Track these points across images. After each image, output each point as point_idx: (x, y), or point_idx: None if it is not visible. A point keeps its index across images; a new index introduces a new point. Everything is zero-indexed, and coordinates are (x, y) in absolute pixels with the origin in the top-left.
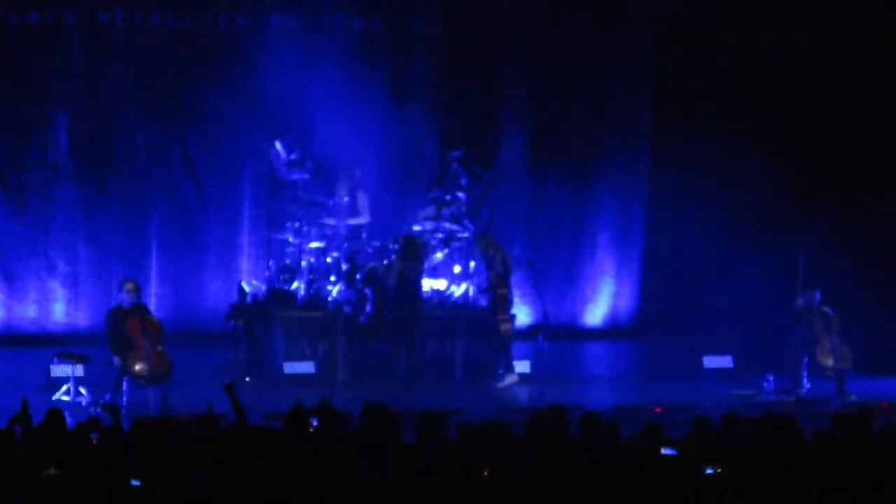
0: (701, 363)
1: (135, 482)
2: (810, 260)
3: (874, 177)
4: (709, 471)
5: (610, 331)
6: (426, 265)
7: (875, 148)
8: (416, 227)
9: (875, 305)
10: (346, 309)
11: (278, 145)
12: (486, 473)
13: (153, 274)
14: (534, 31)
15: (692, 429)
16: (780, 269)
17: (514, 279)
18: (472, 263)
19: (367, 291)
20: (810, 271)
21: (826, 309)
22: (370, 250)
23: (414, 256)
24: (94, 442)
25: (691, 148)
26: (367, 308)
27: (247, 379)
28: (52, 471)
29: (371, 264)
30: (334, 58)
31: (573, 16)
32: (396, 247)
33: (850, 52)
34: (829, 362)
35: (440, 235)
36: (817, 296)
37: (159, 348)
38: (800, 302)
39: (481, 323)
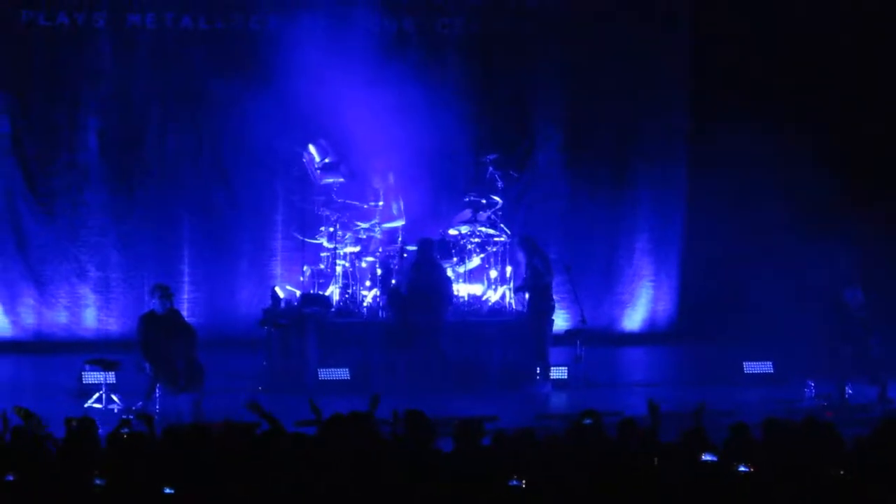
0: (741, 368)
1: (168, 490)
2: (859, 260)
3: None
4: (742, 468)
5: (648, 335)
6: (453, 267)
7: None
8: (452, 231)
9: None
10: (382, 315)
11: (312, 149)
12: (522, 482)
13: (185, 279)
14: (569, 33)
15: (731, 434)
16: (824, 272)
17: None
18: (509, 268)
19: (387, 300)
20: (858, 271)
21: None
22: (405, 255)
23: (428, 261)
24: (127, 450)
25: (730, 148)
26: (391, 317)
27: (259, 388)
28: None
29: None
30: (367, 59)
31: (608, 15)
32: (411, 253)
33: None
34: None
35: (476, 240)
36: (859, 294)
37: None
38: (845, 300)
39: (517, 328)
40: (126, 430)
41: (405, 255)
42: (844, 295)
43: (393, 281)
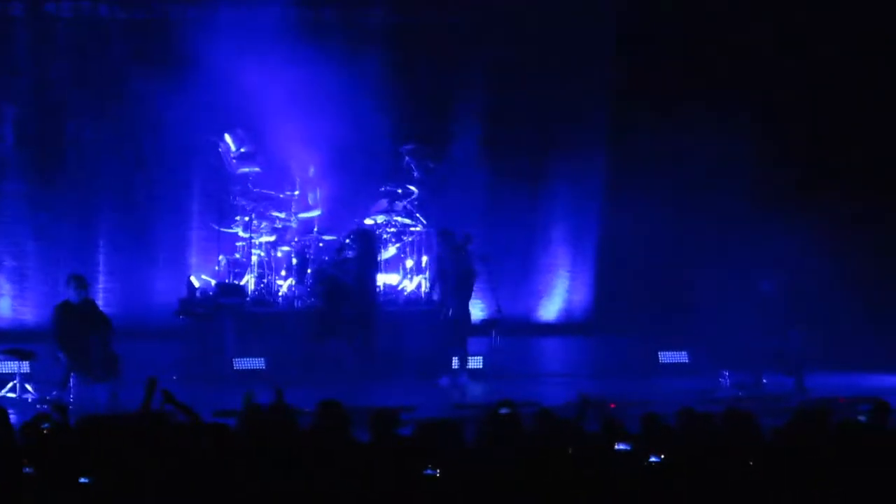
0: (657, 359)
1: (84, 480)
2: (780, 250)
3: (849, 166)
4: (654, 458)
5: (565, 326)
6: (380, 260)
7: (855, 135)
8: (368, 221)
9: (842, 299)
10: (298, 304)
11: (228, 138)
12: (438, 471)
13: (101, 269)
14: (490, 25)
15: (643, 425)
16: (737, 263)
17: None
18: (425, 258)
19: (321, 290)
20: (779, 261)
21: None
22: (321, 245)
23: (370, 252)
24: (43, 439)
25: (649, 140)
26: (321, 306)
27: (174, 378)
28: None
29: (320, 262)
30: (285, 50)
31: (530, 8)
32: (351, 244)
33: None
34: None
35: (393, 229)
36: (777, 285)
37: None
38: (764, 288)
39: (434, 318)
40: (47, 424)
41: (343, 248)
42: (763, 285)
43: (326, 271)
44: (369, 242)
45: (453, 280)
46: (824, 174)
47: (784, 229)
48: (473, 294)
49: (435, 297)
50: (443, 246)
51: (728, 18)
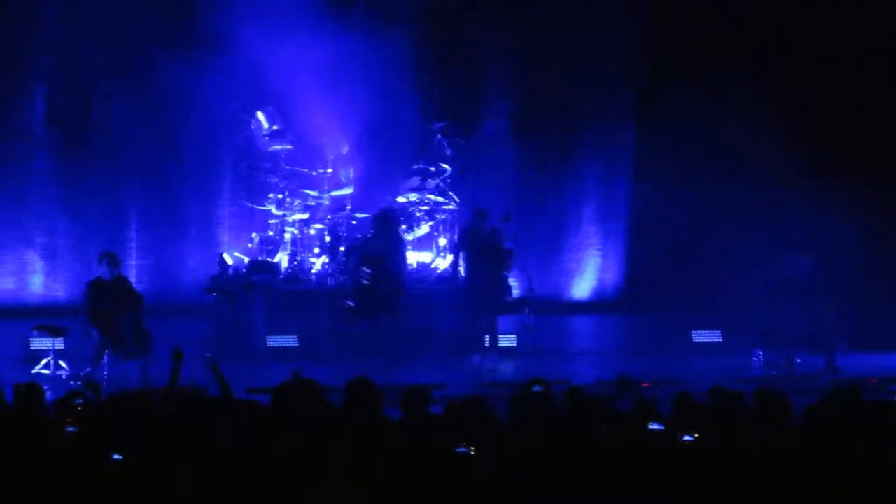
0: (689, 337)
1: (116, 456)
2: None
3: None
4: (687, 437)
5: (596, 304)
6: (407, 238)
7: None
8: (401, 199)
9: (875, 278)
10: (330, 282)
11: (260, 115)
12: (470, 449)
13: (133, 246)
14: (518, 2)
15: (675, 403)
16: (769, 242)
17: None
18: (458, 236)
19: (365, 269)
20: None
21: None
22: (354, 223)
23: (390, 232)
24: (75, 416)
25: (679, 118)
26: (362, 285)
27: (206, 355)
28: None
29: (354, 241)
30: (316, 26)
31: None
32: (373, 225)
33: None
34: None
35: (425, 207)
36: (808, 263)
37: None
38: (798, 267)
39: (465, 296)
40: (80, 400)
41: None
42: (796, 264)
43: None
44: (388, 222)
45: (473, 257)
46: (859, 152)
47: (817, 208)
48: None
49: (449, 268)
50: (471, 223)
51: None
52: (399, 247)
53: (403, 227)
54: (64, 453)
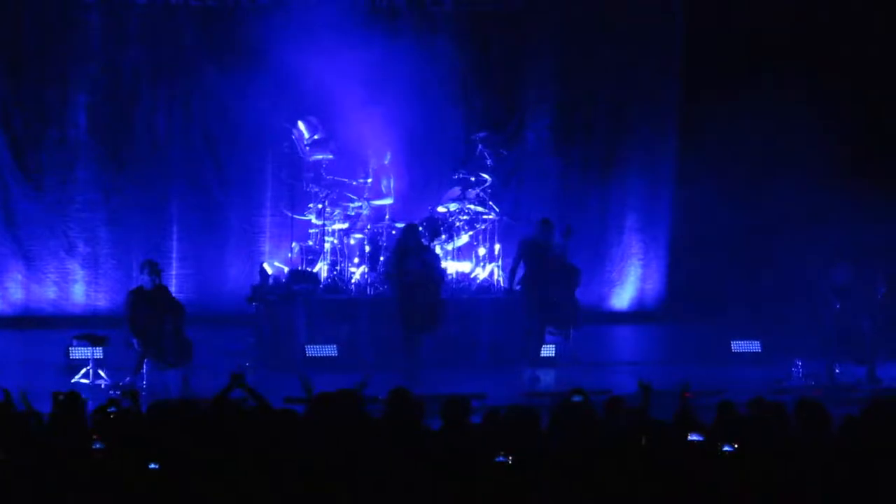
0: (729, 347)
1: (153, 466)
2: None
3: None
4: (728, 448)
5: (637, 314)
6: (442, 245)
7: None
8: (441, 209)
9: None
10: (370, 292)
11: (301, 125)
12: (510, 459)
13: (174, 255)
14: (559, 11)
15: (718, 413)
16: (813, 251)
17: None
18: (498, 246)
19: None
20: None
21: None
22: (394, 232)
23: (416, 245)
24: (113, 425)
25: (721, 127)
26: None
27: (246, 364)
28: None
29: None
30: (357, 35)
31: None
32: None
33: None
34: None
35: (465, 217)
36: (848, 272)
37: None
38: (835, 278)
39: (506, 306)
40: (113, 408)
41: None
42: (831, 273)
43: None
44: (399, 237)
45: (535, 270)
46: None
47: (861, 215)
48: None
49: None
50: (535, 235)
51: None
52: (427, 258)
53: (444, 236)
54: (102, 462)
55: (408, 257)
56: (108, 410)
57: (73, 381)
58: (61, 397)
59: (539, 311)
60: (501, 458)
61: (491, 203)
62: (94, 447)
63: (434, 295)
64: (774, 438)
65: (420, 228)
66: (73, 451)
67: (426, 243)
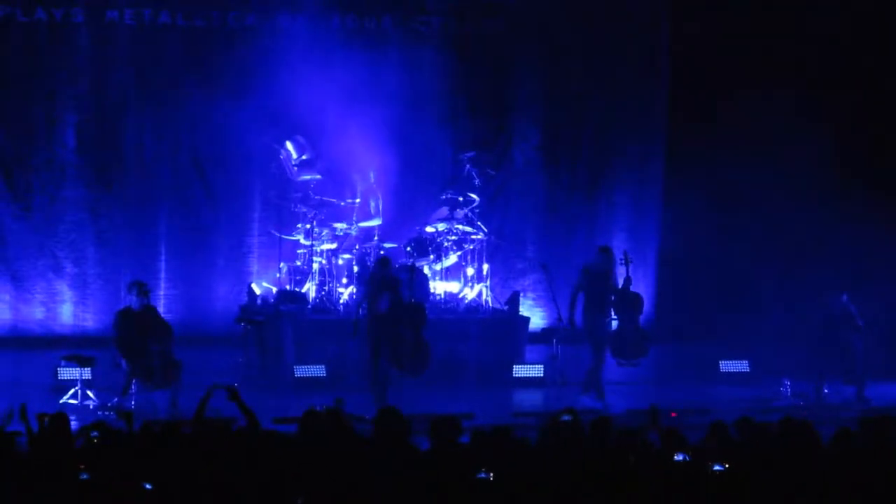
0: (717, 367)
1: (147, 485)
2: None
3: None
4: (717, 467)
5: None
6: (430, 265)
7: None
8: (429, 229)
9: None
10: (360, 313)
11: (289, 145)
12: (497, 478)
13: (162, 275)
14: (547, 33)
15: (708, 433)
16: (798, 272)
17: (528, 282)
18: (486, 266)
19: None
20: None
21: (850, 310)
22: (382, 252)
23: (390, 279)
24: (102, 445)
25: (708, 147)
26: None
27: (235, 385)
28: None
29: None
30: (345, 57)
31: (586, 15)
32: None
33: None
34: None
35: (454, 237)
36: (844, 297)
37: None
38: (834, 305)
39: (494, 326)
40: (96, 433)
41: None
42: (833, 301)
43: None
44: (373, 270)
45: (597, 299)
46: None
47: (847, 237)
48: (535, 302)
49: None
50: (596, 262)
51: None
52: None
53: (432, 256)
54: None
55: (381, 292)
56: (90, 433)
57: (61, 401)
58: (46, 420)
59: (604, 341)
60: (483, 475)
61: (479, 223)
62: (81, 477)
63: (416, 335)
64: (761, 457)
65: (394, 262)
66: (60, 472)
67: (410, 263)
